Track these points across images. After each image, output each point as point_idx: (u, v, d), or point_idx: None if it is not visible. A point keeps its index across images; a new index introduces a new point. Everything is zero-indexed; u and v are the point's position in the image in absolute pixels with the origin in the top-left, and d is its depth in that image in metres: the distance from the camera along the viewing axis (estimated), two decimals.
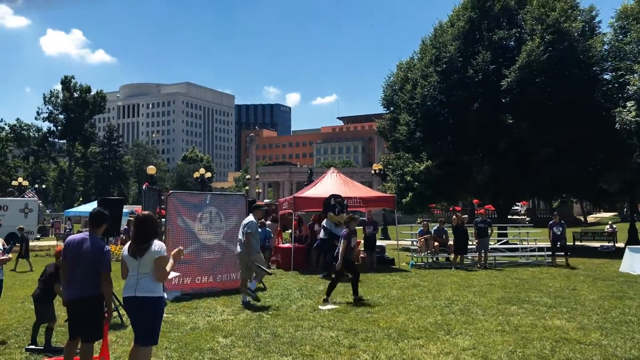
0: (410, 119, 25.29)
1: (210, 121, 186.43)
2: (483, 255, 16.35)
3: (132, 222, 7.90)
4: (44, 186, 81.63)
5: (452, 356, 6.37)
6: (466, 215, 21.87)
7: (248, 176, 69.45)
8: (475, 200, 42.50)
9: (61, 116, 79.90)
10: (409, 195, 24.46)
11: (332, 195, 14.52)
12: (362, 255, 16.55)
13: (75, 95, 79.66)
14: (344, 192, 15.56)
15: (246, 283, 9.85)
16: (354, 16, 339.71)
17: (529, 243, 18.77)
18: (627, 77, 21.11)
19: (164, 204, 11.63)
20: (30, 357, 6.43)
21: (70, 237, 5.54)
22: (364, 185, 20.79)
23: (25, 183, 45.11)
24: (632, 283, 12.60)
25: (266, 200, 46.28)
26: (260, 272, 10.04)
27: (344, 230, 10.25)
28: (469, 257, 17.13)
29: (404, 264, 16.76)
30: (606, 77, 23.65)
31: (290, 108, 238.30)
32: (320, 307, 9.45)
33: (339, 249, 10.03)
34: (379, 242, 18.14)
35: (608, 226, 29.93)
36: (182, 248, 5.45)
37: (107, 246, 5.43)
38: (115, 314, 7.69)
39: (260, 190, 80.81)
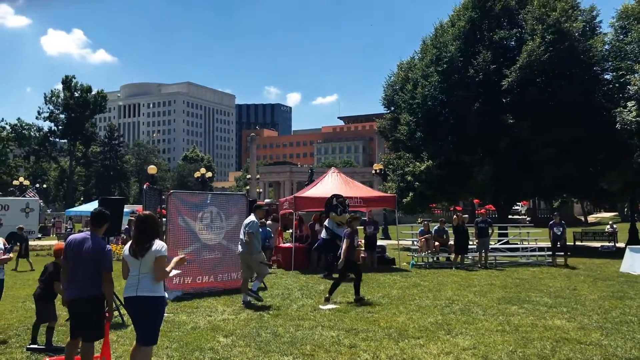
0: (410, 119, 25.29)
1: (210, 121, 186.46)
2: (483, 255, 16.36)
3: (133, 222, 7.91)
4: (44, 186, 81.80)
5: (452, 356, 6.38)
6: (467, 215, 21.93)
7: (249, 176, 69.47)
8: (475, 200, 42.45)
9: (62, 116, 79.98)
10: (410, 195, 24.46)
11: (334, 195, 14.50)
12: (362, 255, 16.56)
13: (76, 94, 79.71)
14: (345, 192, 15.55)
15: (247, 283, 9.87)
16: (354, 16, 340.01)
17: (530, 243, 18.78)
18: (628, 77, 21.12)
19: (164, 203, 11.66)
20: (31, 357, 6.44)
21: (71, 237, 5.54)
22: (364, 185, 20.81)
23: (26, 183, 45.23)
24: (633, 283, 12.61)
25: (267, 200, 46.30)
26: (263, 271, 10.06)
27: (347, 229, 10.27)
28: (470, 257, 17.13)
29: (405, 263, 16.79)
30: (607, 77, 23.65)
31: (290, 108, 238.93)
32: (320, 306, 9.46)
33: (341, 248, 10.05)
34: (379, 242, 18.17)
35: (608, 226, 29.92)
36: (185, 257, 5.46)
37: (108, 246, 5.43)
38: (116, 313, 7.71)
39: (261, 190, 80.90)
